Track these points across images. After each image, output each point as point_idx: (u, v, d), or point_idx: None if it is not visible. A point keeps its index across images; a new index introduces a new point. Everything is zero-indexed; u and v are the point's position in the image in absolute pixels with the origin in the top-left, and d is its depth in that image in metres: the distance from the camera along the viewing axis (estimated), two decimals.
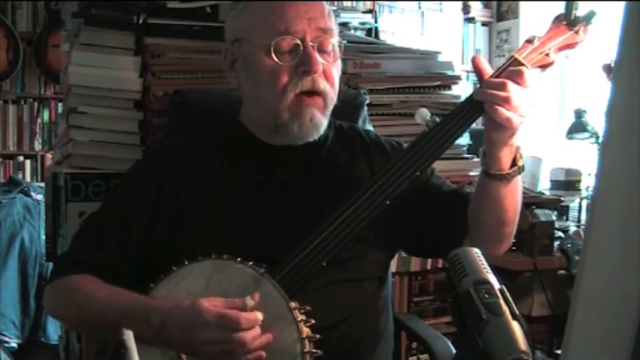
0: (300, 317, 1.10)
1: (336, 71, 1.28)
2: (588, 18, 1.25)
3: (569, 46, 1.26)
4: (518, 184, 1.26)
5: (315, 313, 1.12)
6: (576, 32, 1.25)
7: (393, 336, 1.41)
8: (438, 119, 1.21)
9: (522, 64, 1.21)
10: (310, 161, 1.33)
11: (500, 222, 1.27)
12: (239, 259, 1.14)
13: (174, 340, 1.10)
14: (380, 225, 1.22)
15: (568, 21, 1.25)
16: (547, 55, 1.24)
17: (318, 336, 1.11)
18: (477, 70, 1.21)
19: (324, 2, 1.29)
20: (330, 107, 1.28)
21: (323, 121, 1.27)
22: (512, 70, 1.18)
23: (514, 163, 1.22)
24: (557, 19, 1.26)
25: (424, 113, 1.21)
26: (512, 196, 1.25)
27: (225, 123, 1.39)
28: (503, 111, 1.14)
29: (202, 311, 1.07)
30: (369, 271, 1.31)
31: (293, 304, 1.11)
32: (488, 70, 1.21)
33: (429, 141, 1.19)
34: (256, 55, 1.24)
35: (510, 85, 1.15)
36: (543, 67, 1.24)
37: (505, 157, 1.20)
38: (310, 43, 1.22)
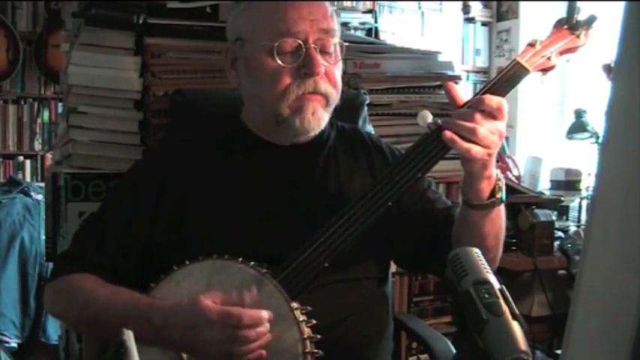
0: (302, 318, 1.10)
1: (337, 72, 1.28)
2: (589, 22, 1.26)
3: (570, 50, 1.27)
4: (500, 213, 1.23)
5: (315, 313, 1.11)
6: (577, 36, 1.26)
7: (393, 336, 1.41)
8: (439, 121, 1.21)
9: (525, 68, 1.21)
10: (312, 161, 1.33)
11: (479, 248, 1.24)
12: (240, 259, 1.14)
13: (176, 339, 1.09)
14: (377, 230, 1.21)
15: (569, 25, 1.26)
16: (549, 58, 1.25)
17: (319, 336, 1.11)
18: (450, 97, 1.19)
19: (327, 3, 1.28)
20: (333, 105, 1.28)
21: (325, 116, 1.27)
22: (476, 100, 1.16)
23: (493, 194, 1.20)
24: (559, 23, 1.27)
25: (426, 115, 1.21)
26: (492, 224, 1.23)
27: (226, 122, 1.39)
28: (461, 142, 1.13)
29: (204, 310, 1.07)
30: (370, 271, 1.31)
31: (294, 305, 1.11)
32: (461, 99, 1.19)
33: (431, 143, 1.19)
34: (258, 56, 1.24)
35: (477, 115, 1.13)
36: (545, 70, 1.25)
37: (483, 188, 1.19)
38: (312, 45, 1.22)
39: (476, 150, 1.13)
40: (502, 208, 1.24)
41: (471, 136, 1.13)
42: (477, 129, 1.12)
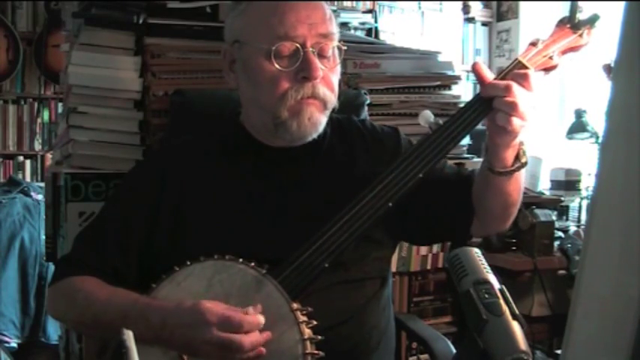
0: (302, 318, 1.10)
1: (335, 77, 1.28)
2: (592, 21, 1.25)
3: (572, 49, 1.25)
4: (521, 171, 1.25)
5: (317, 315, 1.11)
6: (580, 35, 1.25)
7: (394, 335, 1.41)
8: (441, 122, 1.21)
9: (526, 67, 1.20)
10: (310, 161, 1.33)
11: (506, 204, 1.28)
12: (241, 260, 1.13)
13: (175, 339, 1.10)
14: (385, 219, 1.21)
15: (572, 24, 1.25)
16: (551, 58, 1.23)
17: (319, 337, 1.10)
18: (479, 77, 1.20)
19: (325, 6, 1.28)
20: (330, 109, 1.28)
21: (322, 120, 1.27)
22: (517, 73, 1.17)
23: (517, 158, 1.22)
24: (561, 22, 1.26)
25: (427, 115, 1.21)
26: (516, 183, 1.25)
27: (225, 124, 1.38)
28: (506, 116, 1.14)
29: (205, 311, 1.07)
30: (371, 271, 1.31)
31: (295, 305, 1.11)
32: (489, 76, 1.20)
33: (432, 143, 1.19)
34: (256, 59, 1.24)
35: (515, 88, 1.15)
36: (547, 70, 1.23)
37: (509, 155, 1.20)
38: (310, 49, 1.22)
39: (515, 122, 1.14)
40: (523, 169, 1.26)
41: (510, 110, 1.13)
42: (517, 102, 1.14)
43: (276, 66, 1.22)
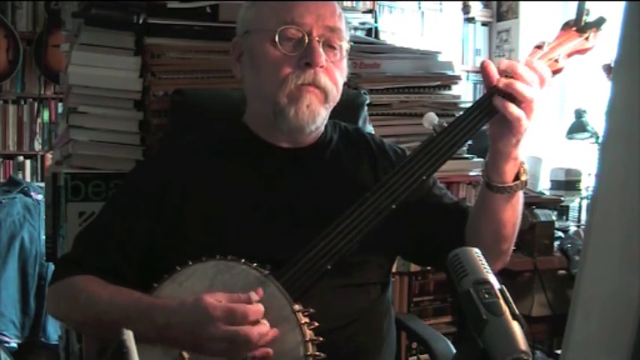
0: (304, 320, 1.10)
1: (339, 72, 1.28)
2: (598, 24, 1.25)
3: (578, 52, 1.26)
4: (519, 200, 1.25)
5: (319, 317, 1.11)
6: (586, 39, 1.25)
7: (395, 339, 1.40)
8: (445, 124, 1.20)
9: None
10: (315, 163, 1.33)
11: (498, 236, 1.26)
12: (243, 260, 1.13)
13: (179, 338, 1.08)
14: (381, 231, 1.21)
15: (578, 27, 1.25)
16: (557, 61, 1.23)
17: (321, 339, 1.10)
18: (485, 74, 1.20)
19: (336, 4, 1.29)
20: (331, 104, 1.28)
21: (321, 111, 1.26)
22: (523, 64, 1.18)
23: (517, 177, 1.22)
24: (567, 25, 1.26)
25: (432, 118, 1.21)
26: (512, 211, 1.25)
27: (228, 124, 1.38)
28: (514, 109, 1.14)
29: (207, 307, 1.06)
30: (373, 276, 1.31)
31: (297, 307, 1.10)
32: (497, 77, 1.20)
33: (436, 145, 1.19)
34: (261, 45, 1.25)
35: (508, 61, 1.16)
36: (553, 73, 1.24)
37: (509, 170, 1.20)
38: (316, 38, 1.23)
39: (514, 109, 1.14)
40: (521, 195, 1.25)
41: (510, 86, 1.14)
42: (512, 64, 1.15)
43: (280, 49, 1.23)
